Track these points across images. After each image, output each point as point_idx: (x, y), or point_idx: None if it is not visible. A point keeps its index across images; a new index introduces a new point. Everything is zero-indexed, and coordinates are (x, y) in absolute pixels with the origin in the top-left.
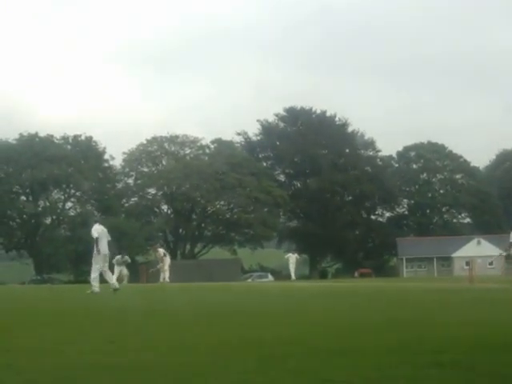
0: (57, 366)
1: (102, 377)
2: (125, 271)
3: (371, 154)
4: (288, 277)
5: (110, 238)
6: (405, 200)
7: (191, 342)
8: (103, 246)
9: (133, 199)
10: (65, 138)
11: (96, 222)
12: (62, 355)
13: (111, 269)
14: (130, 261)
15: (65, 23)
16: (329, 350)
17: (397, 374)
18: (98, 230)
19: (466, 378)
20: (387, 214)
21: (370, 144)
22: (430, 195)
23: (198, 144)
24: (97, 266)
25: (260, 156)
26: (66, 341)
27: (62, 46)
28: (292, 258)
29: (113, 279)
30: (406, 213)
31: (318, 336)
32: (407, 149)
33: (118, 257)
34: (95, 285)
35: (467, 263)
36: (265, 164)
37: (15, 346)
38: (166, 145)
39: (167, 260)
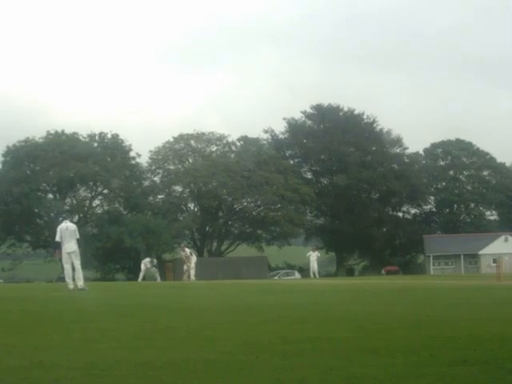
0: (86, 362)
1: (132, 373)
2: (155, 271)
3: (398, 151)
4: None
5: (78, 236)
6: (432, 197)
7: (218, 339)
8: (65, 245)
9: (159, 197)
10: (91, 136)
11: (63, 219)
12: (91, 352)
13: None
14: (156, 265)
15: (90, 21)
16: (356, 348)
17: (424, 372)
18: (61, 229)
19: (494, 376)
20: (414, 211)
21: (397, 141)
22: (457, 192)
23: (225, 141)
24: (64, 265)
25: (287, 154)
26: (94, 338)
27: (88, 43)
28: (312, 256)
29: (81, 279)
30: (433, 210)
31: (345, 333)
32: (434, 146)
33: (148, 260)
34: (67, 281)
35: (494, 260)
36: (292, 162)
37: (44, 344)
38: (192, 142)
39: (193, 259)
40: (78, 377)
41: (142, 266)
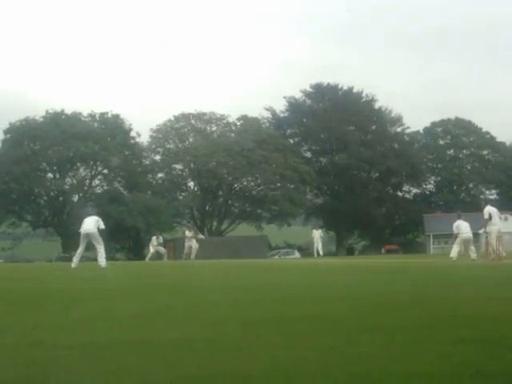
0: (85, 341)
1: (131, 352)
2: (162, 250)
3: (398, 130)
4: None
5: (102, 227)
6: (432, 176)
7: (218, 318)
8: (84, 228)
9: (159, 175)
10: (92, 116)
11: (90, 215)
12: (90, 331)
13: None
14: (162, 241)
15: (90, 5)
16: (355, 327)
17: (423, 350)
18: (85, 220)
19: (493, 353)
20: (414, 191)
21: (397, 120)
22: (456, 171)
23: (225, 121)
24: (80, 245)
25: (287, 133)
26: (94, 317)
27: (89, 24)
28: (316, 235)
29: (102, 258)
30: (433, 189)
31: (345, 312)
32: (434, 125)
33: (154, 237)
34: (74, 260)
35: None
36: (292, 141)
37: (43, 323)
38: (192, 121)
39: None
40: (77, 355)
41: (151, 248)
